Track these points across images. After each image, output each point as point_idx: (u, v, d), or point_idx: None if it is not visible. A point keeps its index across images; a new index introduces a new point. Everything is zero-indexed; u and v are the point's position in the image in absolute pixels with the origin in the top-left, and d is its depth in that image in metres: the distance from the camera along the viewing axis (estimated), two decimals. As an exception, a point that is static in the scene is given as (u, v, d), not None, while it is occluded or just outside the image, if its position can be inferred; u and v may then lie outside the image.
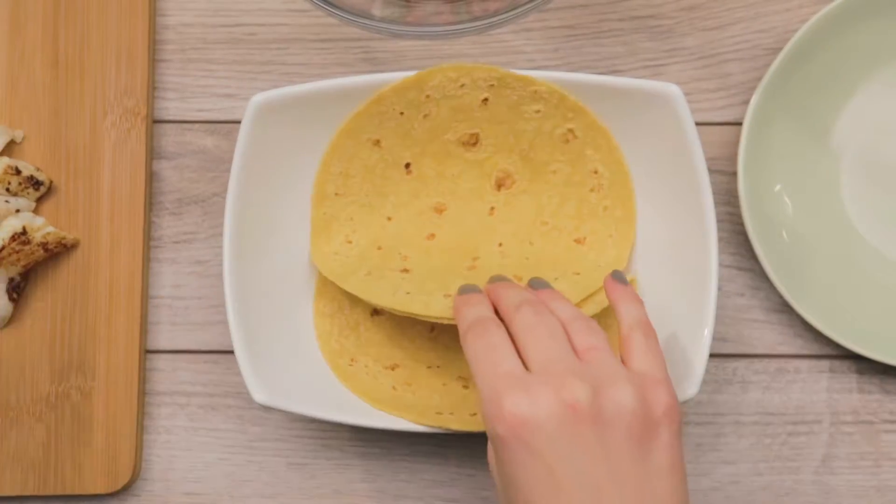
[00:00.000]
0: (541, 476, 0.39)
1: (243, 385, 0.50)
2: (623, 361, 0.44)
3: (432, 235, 0.56)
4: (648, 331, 0.45)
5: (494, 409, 0.40)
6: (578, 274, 0.53)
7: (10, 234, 0.54)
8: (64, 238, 0.56)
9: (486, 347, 0.43)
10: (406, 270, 0.54)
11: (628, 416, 0.40)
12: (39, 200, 0.57)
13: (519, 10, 0.49)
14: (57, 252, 0.56)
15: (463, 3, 0.52)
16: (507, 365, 0.41)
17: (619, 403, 0.40)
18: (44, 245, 0.55)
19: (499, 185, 0.55)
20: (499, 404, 0.39)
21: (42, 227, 0.55)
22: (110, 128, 0.58)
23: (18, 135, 0.57)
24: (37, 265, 0.57)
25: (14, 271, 0.55)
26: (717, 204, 0.55)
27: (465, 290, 0.48)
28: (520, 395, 0.39)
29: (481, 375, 0.41)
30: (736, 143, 0.56)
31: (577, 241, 0.55)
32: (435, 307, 0.50)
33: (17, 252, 0.55)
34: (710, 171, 0.51)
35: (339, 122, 0.53)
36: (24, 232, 0.54)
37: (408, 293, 0.51)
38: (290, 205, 0.54)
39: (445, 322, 0.49)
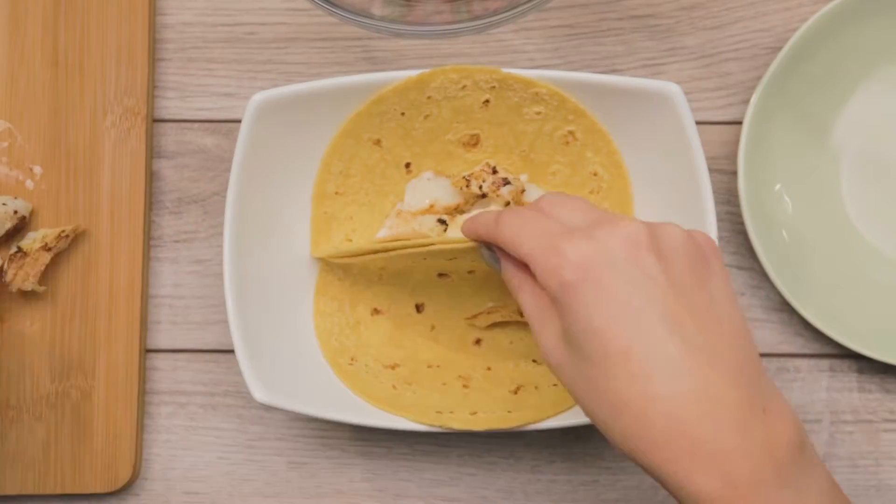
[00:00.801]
0: (618, 311, 0.37)
1: (243, 384, 0.50)
2: None
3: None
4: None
5: (557, 258, 0.38)
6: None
7: (8, 258, 0.55)
8: (62, 231, 0.56)
9: (525, 218, 0.42)
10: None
11: (682, 247, 0.39)
12: (38, 201, 0.57)
13: (518, 9, 0.49)
14: (70, 242, 0.56)
15: (463, 3, 0.52)
16: (553, 225, 0.41)
17: (672, 236, 0.39)
18: (45, 248, 0.55)
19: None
20: (560, 252, 0.38)
21: (37, 240, 0.55)
22: (110, 127, 0.58)
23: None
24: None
25: (30, 284, 0.55)
26: (717, 203, 0.55)
27: None
28: (579, 238, 0.39)
29: (529, 240, 0.40)
30: (736, 142, 0.56)
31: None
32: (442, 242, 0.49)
33: (21, 268, 0.55)
34: (710, 170, 0.52)
35: (340, 122, 0.53)
36: (19, 250, 0.55)
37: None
38: (290, 204, 0.54)
39: (458, 247, 0.48)
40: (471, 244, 0.46)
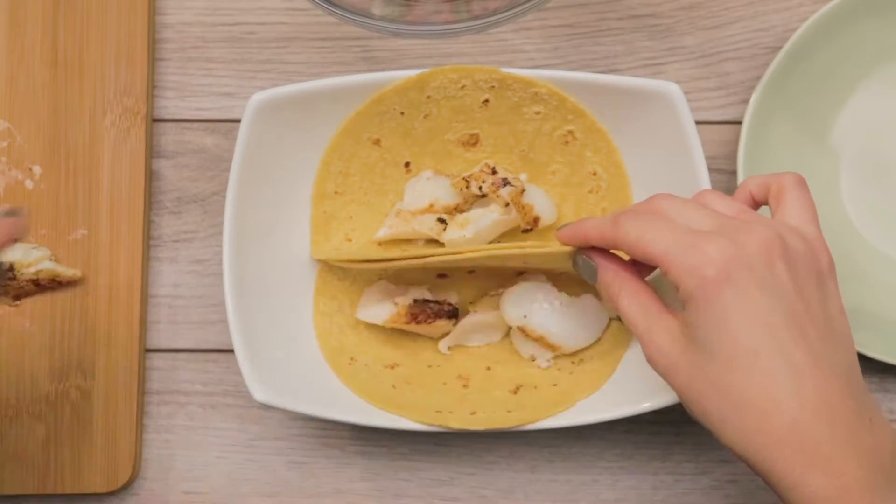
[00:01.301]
0: (751, 313, 0.39)
1: (243, 384, 0.50)
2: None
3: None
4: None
5: (698, 257, 0.40)
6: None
7: None
8: (58, 276, 0.55)
9: (650, 220, 0.42)
10: None
11: (806, 258, 0.41)
12: (38, 200, 0.57)
13: (518, 8, 0.49)
14: (51, 288, 0.56)
15: (462, 2, 0.52)
16: (681, 226, 0.42)
17: (798, 246, 0.41)
18: (34, 281, 0.55)
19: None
20: (702, 251, 0.40)
21: (36, 262, 0.54)
22: (110, 127, 0.58)
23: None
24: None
25: (4, 301, 0.55)
26: (716, 203, 0.55)
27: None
28: (720, 239, 0.40)
29: (662, 239, 0.41)
30: (735, 141, 0.56)
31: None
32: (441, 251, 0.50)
33: (3, 286, 0.55)
34: (710, 169, 0.52)
35: (339, 121, 0.53)
36: (11, 268, 0.54)
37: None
38: (290, 204, 0.54)
39: (451, 258, 0.49)
40: (551, 249, 0.47)
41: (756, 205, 0.46)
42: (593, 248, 0.46)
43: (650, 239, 0.42)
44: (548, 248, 0.48)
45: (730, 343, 0.39)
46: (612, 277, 0.45)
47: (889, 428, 0.40)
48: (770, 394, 0.38)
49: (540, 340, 0.53)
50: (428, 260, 0.49)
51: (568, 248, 0.47)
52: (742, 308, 0.39)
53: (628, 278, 0.45)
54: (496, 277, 0.56)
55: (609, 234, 0.44)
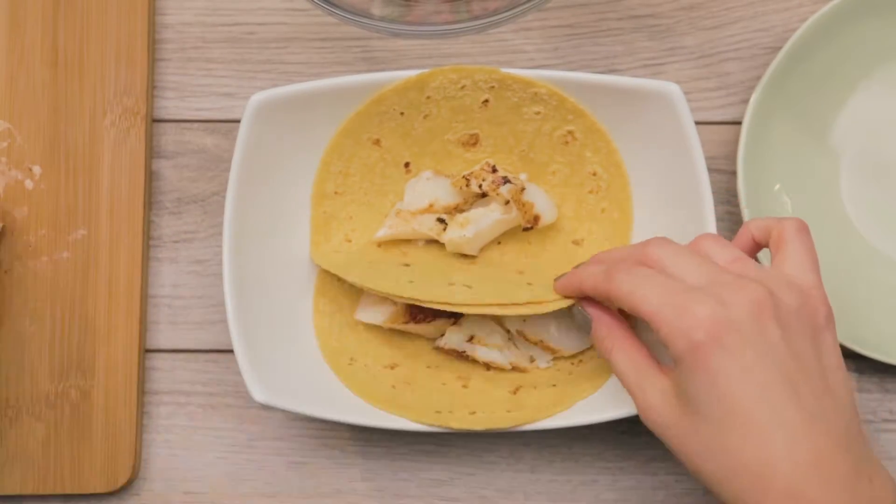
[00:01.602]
0: (743, 376, 0.39)
1: (243, 384, 0.50)
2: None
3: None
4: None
5: (688, 319, 0.40)
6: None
7: None
8: None
9: (642, 275, 0.42)
10: (407, 265, 0.54)
11: (800, 314, 0.41)
12: (38, 201, 0.57)
13: (518, 9, 0.49)
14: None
15: (462, 3, 0.52)
16: (676, 284, 0.41)
17: (791, 303, 0.41)
18: None
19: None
20: (692, 313, 0.40)
21: None
22: (109, 127, 0.58)
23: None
24: (36, 264, 0.56)
25: None
26: (716, 203, 0.55)
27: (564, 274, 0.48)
28: (709, 301, 0.40)
29: (654, 297, 0.41)
30: (735, 142, 0.56)
31: (575, 242, 0.55)
32: (439, 294, 0.50)
33: None
34: (710, 170, 0.51)
35: (339, 121, 0.53)
36: None
37: (411, 282, 0.51)
38: (290, 204, 0.54)
39: (446, 309, 0.49)
40: (548, 308, 0.48)
41: (757, 247, 0.46)
42: (588, 299, 0.47)
43: (641, 296, 0.42)
44: (546, 305, 0.48)
45: (721, 406, 0.39)
46: (606, 333, 0.45)
47: (890, 485, 0.40)
48: (764, 457, 0.38)
49: (539, 344, 0.53)
50: (424, 304, 0.49)
51: (567, 302, 0.48)
52: (733, 371, 0.39)
53: (621, 335, 0.45)
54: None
55: (602, 287, 0.44)
